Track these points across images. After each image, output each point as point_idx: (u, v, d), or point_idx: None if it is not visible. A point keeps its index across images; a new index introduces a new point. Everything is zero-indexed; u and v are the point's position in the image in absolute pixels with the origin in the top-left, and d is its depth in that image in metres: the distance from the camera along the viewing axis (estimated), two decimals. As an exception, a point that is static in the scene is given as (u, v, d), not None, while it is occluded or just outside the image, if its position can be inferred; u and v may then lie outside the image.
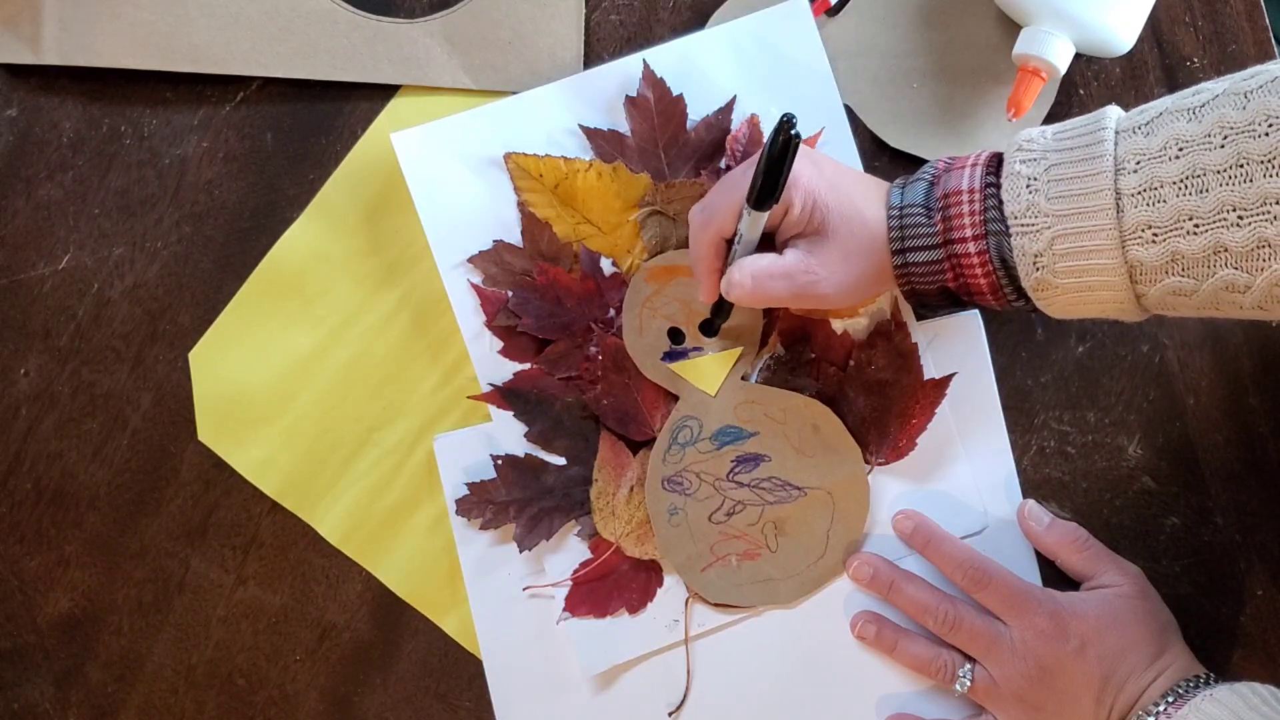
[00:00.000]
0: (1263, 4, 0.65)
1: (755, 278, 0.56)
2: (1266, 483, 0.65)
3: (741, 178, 0.57)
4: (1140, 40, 0.62)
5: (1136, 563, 0.62)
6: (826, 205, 0.56)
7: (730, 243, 0.58)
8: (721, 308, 0.61)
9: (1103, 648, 0.58)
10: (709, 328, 0.63)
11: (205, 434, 0.65)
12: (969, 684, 0.61)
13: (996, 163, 0.55)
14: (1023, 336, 0.65)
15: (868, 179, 0.59)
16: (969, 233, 0.54)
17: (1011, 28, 0.63)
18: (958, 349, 0.64)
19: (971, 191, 0.54)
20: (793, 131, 0.51)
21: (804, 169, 0.56)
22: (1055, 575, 0.64)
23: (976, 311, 0.64)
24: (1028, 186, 0.52)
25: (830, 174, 0.57)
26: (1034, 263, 0.52)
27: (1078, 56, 0.61)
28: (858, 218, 0.56)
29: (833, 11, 0.65)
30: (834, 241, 0.56)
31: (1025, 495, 0.65)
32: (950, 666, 0.61)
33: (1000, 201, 0.53)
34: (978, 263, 0.54)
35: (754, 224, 0.56)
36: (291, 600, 0.65)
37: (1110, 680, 0.58)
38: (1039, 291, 0.53)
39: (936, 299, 0.57)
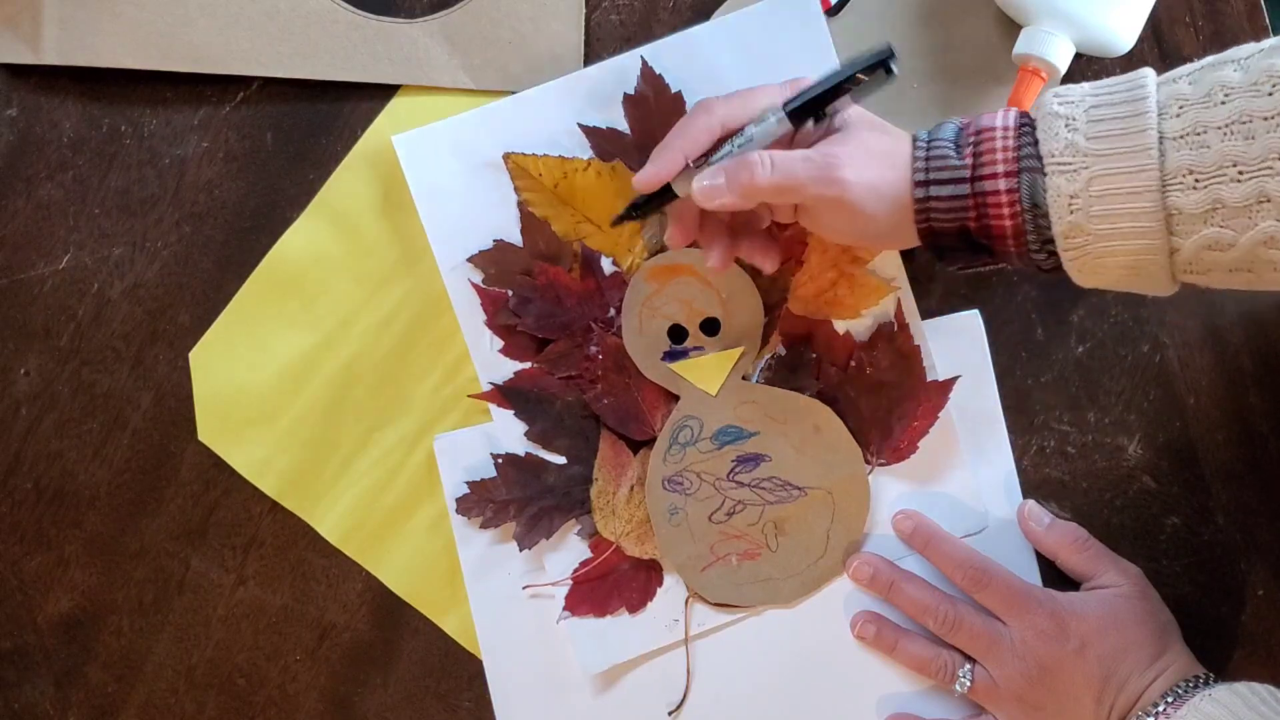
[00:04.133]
0: (1263, 4, 0.65)
1: (777, 162, 0.53)
2: (1266, 483, 0.65)
3: (781, 87, 0.55)
4: (1140, 40, 0.62)
5: (1137, 563, 0.62)
6: (847, 116, 0.55)
7: (720, 142, 0.56)
8: (652, 200, 0.57)
9: (1102, 648, 0.58)
10: (623, 217, 0.59)
11: (205, 434, 0.65)
12: (969, 684, 0.61)
13: (1028, 116, 0.53)
14: (1023, 336, 0.65)
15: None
16: (1000, 169, 0.51)
17: (1011, 28, 0.63)
18: (958, 349, 0.64)
19: (1005, 129, 0.52)
20: (890, 66, 0.50)
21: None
22: (1055, 575, 0.64)
23: (976, 311, 0.64)
24: (1066, 125, 0.50)
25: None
26: (1069, 205, 0.50)
27: (1078, 56, 0.61)
28: (879, 127, 0.54)
29: (833, 11, 0.65)
30: (855, 138, 0.54)
31: (1025, 495, 0.65)
32: (950, 666, 0.61)
33: (1035, 140, 0.51)
34: (1006, 202, 0.52)
35: (771, 133, 0.53)
36: (291, 600, 0.65)
37: (1110, 680, 0.58)
38: (1069, 238, 0.51)
39: (953, 241, 0.54)
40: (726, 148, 0.55)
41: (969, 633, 0.61)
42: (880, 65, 0.51)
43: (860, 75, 0.51)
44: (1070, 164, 0.50)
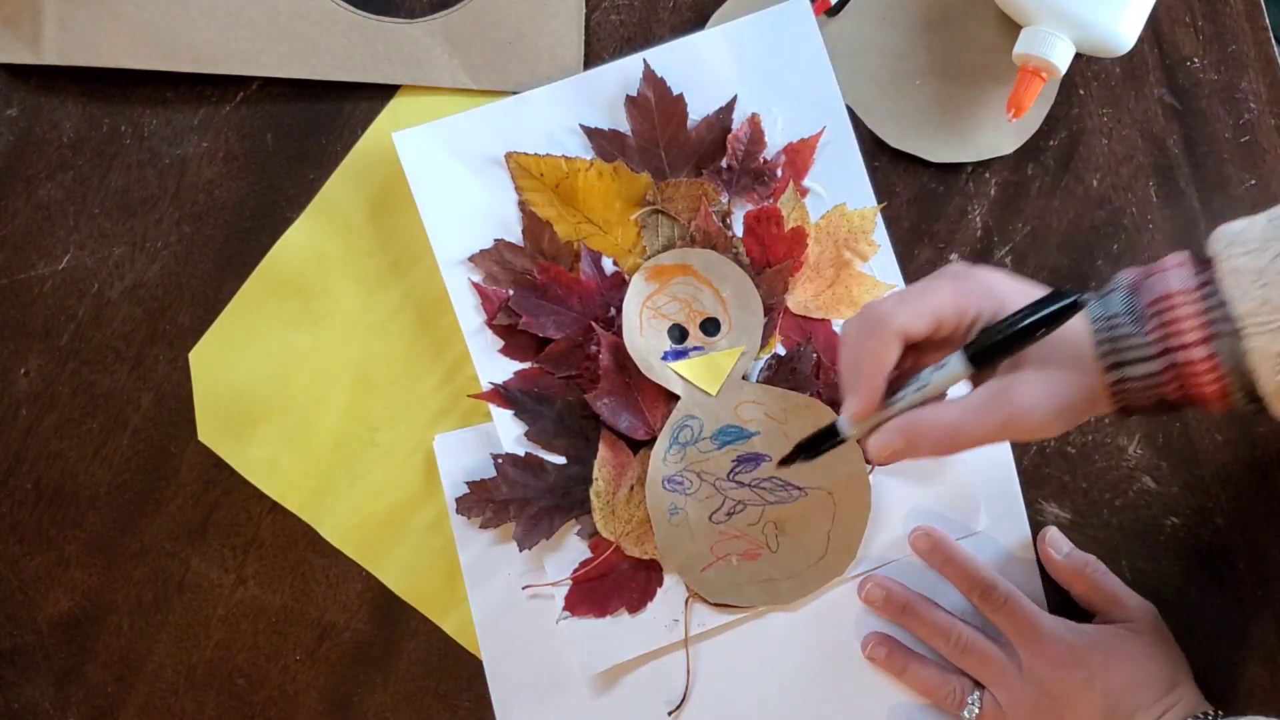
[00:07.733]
0: (1263, 4, 0.65)
1: (952, 429, 0.50)
2: (1266, 483, 0.65)
3: (955, 298, 0.50)
4: (1140, 40, 0.62)
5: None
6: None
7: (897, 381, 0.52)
8: (825, 436, 0.54)
9: (1111, 681, 0.58)
10: (791, 460, 0.56)
11: (205, 434, 0.65)
12: (977, 711, 0.60)
13: (1198, 264, 0.50)
14: (1023, 336, 0.65)
15: (1033, 292, 0.51)
16: (1192, 337, 0.48)
17: (1011, 28, 0.63)
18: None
19: (1185, 293, 0.48)
20: (1079, 303, 0.47)
21: (983, 298, 0.50)
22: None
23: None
24: (1256, 281, 0.46)
25: (1004, 291, 0.51)
26: (1276, 365, 0.46)
27: (1078, 56, 0.61)
28: (1054, 339, 0.49)
29: (833, 11, 0.65)
30: (1029, 368, 0.50)
31: (1025, 495, 0.65)
32: (959, 693, 0.61)
33: (1222, 301, 0.48)
34: (1205, 369, 0.48)
35: (952, 378, 0.50)
36: (291, 600, 0.65)
37: (1116, 713, 0.58)
38: None
39: (1151, 412, 0.51)
40: (904, 391, 0.52)
41: (979, 657, 0.61)
42: (1068, 310, 0.47)
43: (1046, 326, 0.47)
44: (1271, 322, 0.46)
